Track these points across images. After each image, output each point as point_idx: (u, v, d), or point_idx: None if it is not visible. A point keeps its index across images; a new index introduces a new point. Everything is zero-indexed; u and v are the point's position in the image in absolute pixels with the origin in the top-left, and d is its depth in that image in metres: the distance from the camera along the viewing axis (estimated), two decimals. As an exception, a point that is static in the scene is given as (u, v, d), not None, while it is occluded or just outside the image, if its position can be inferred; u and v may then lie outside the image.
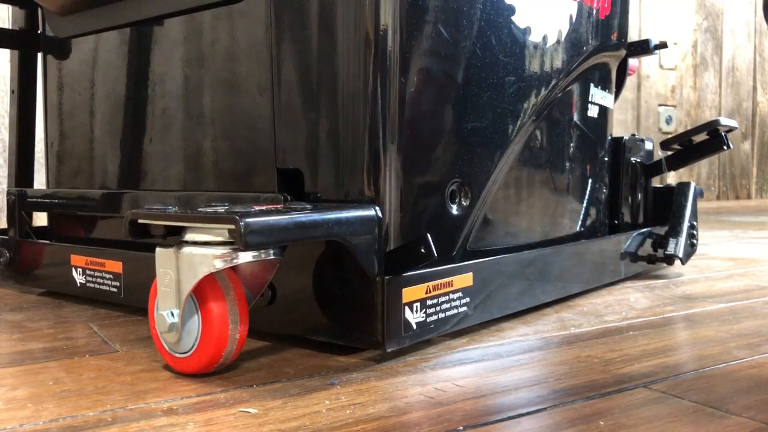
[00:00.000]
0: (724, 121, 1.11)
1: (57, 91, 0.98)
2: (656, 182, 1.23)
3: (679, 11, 3.48)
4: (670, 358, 0.67)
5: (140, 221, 0.61)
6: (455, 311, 0.70)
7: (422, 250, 0.63)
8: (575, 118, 0.95)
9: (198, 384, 0.58)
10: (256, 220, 0.54)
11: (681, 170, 3.28)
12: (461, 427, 0.49)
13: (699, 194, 1.19)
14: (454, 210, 0.73)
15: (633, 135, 1.16)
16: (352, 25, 0.65)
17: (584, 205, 1.00)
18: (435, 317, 0.68)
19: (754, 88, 3.81)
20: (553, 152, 0.90)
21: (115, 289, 0.84)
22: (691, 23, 3.53)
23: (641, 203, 1.17)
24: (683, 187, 1.18)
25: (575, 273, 0.93)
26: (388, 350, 0.64)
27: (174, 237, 0.60)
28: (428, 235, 0.63)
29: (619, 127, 3.20)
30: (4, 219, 1.62)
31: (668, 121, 3.44)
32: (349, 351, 0.68)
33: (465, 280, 0.72)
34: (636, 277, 1.13)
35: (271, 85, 0.71)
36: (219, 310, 0.58)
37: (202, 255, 0.57)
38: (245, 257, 0.58)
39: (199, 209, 0.60)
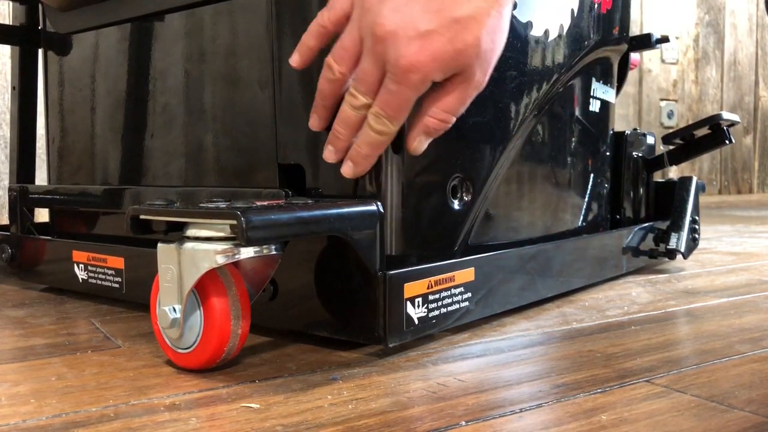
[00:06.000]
0: (726, 115, 1.11)
1: (58, 87, 0.98)
2: (658, 177, 1.23)
3: (680, 5, 3.47)
4: (672, 352, 0.67)
5: (142, 217, 0.61)
6: (457, 306, 0.70)
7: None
8: (577, 112, 0.95)
9: (200, 379, 0.58)
10: (257, 216, 0.54)
11: (683, 165, 3.28)
12: (463, 422, 0.49)
13: (701, 189, 1.19)
14: (456, 205, 0.73)
15: (635, 129, 1.16)
16: (353, 20, 0.65)
17: (586, 199, 1.00)
18: (437, 312, 0.68)
19: (756, 82, 3.80)
20: (554, 147, 0.90)
21: (117, 285, 0.84)
22: (693, 17, 3.52)
23: (643, 198, 1.17)
24: (685, 181, 1.18)
25: (577, 268, 0.93)
26: (390, 345, 0.64)
27: (176, 233, 0.60)
28: None
29: (621, 122, 3.19)
30: (6, 215, 1.62)
31: (670, 115, 3.43)
32: (351, 346, 0.68)
33: (467, 275, 0.71)
34: (638, 271, 1.13)
35: (272, 80, 0.71)
36: (221, 305, 0.58)
37: (203, 250, 0.57)
38: (247, 253, 0.58)
39: (201, 205, 0.60)
